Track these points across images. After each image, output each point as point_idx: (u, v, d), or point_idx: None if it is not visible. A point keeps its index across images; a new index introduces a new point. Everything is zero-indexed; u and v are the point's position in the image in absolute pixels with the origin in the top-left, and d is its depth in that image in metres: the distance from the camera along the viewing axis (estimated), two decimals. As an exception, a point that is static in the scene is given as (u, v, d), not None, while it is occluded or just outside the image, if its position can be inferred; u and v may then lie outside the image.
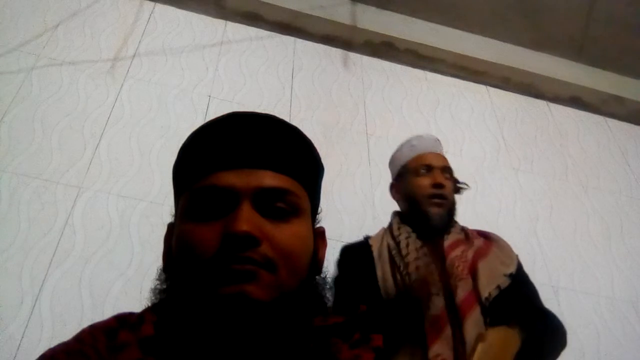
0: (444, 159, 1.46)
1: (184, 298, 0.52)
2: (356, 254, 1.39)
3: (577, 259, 2.19)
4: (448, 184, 1.41)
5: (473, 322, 1.23)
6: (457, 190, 1.45)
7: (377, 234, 1.43)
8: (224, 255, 0.49)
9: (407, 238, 1.35)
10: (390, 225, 1.42)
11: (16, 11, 2.20)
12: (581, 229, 2.32)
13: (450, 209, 1.41)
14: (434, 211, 1.36)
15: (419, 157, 1.45)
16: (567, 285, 2.07)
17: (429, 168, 1.41)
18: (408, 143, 1.51)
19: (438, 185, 1.38)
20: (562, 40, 3.00)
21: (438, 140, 1.54)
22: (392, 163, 1.54)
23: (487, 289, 1.28)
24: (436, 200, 1.37)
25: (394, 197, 1.48)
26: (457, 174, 1.49)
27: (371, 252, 1.35)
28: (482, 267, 1.32)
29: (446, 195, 1.39)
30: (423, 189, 1.38)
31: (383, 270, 1.31)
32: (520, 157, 2.52)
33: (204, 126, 0.59)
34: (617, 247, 2.29)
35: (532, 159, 2.54)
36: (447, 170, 1.43)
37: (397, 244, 1.35)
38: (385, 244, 1.37)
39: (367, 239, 1.44)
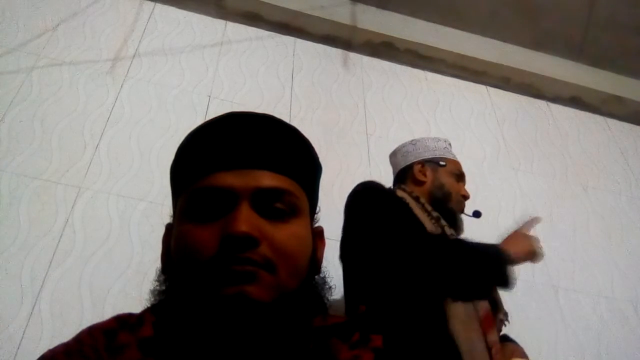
0: None
1: (184, 299, 0.52)
2: (392, 196, 1.38)
3: (577, 259, 2.19)
4: None
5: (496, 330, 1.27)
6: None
7: (400, 193, 1.43)
8: (223, 256, 0.49)
9: (437, 215, 1.38)
10: (417, 196, 1.41)
11: (16, 11, 2.20)
12: (581, 229, 2.32)
13: None
14: (461, 218, 1.45)
15: (458, 163, 1.52)
16: (567, 285, 2.08)
17: (463, 177, 1.50)
18: (446, 141, 1.57)
19: (466, 197, 1.47)
20: (562, 40, 3.00)
21: None
22: (424, 147, 1.54)
23: (504, 309, 1.34)
24: (462, 208, 1.46)
25: (418, 175, 1.46)
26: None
27: (405, 202, 1.36)
28: None
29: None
30: (460, 193, 1.46)
31: (426, 222, 1.32)
32: (520, 157, 2.52)
33: (201, 126, 0.59)
34: (617, 247, 2.30)
35: (532, 159, 2.54)
36: None
37: (429, 212, 1.37)
38: (417, 205, 1.37)
39: (390, 189, 1.44)
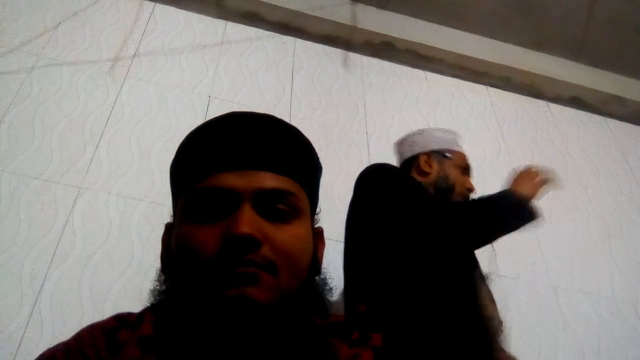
0: None
1: (185, 300, 0.52)
2: (409, 177, 1.38)
3: (577, 259, 2.19)
4: None
5: None
6: None
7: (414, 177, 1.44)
8: (225, 258, 0.49)
9: None
10: (426, 187, 1.42)
11: (16, 11, 2.20)
12: (581, 229, 2.32)
13: None
14: None
15: (466, 157, 1.52)
16: (567, 285, 2.07)
17: (467, 170, 1.49)
18: (454, 133, 1.57)
19: (471, 191, 1.46)
20: (562, 40, 2.99)
21: None
22: (432, 136, 1.53)
23: (499, 317, 1.32)
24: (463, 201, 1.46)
25: (423, 165, 1.46)
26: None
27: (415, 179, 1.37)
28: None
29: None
30: (464, 186, 1.45)
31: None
32: (520, 157, 2.52)
33: (202, 126, 0.59)
34: (617, 247, 2.29)
35: (532, 159, 2.54)
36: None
37: None
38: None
39: (406, 172, 1.44)
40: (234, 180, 0.52)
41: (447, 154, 1.48)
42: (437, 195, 1.40)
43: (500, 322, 1.32)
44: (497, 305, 1.33)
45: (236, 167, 0.53)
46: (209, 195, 0.53)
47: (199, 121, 0.61)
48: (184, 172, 0.57)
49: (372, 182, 1.32)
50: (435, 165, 1.45)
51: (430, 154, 1.48)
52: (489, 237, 1.27)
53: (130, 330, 0.53)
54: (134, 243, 1.65)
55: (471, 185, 1.47)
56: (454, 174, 1.44)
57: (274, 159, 0.54)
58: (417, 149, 1.50)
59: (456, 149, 1.51)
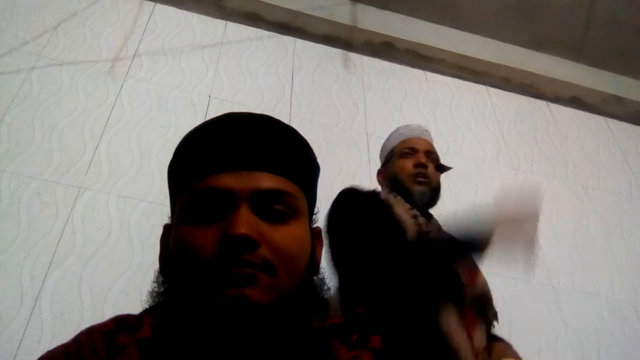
0: (429, 143, 1.49)
1: (183, 301, 0.52)
2: (373, 201, 1.33)
3: (577, 259, 2.19)
4: (431, 165, 1.42)
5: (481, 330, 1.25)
6: (440, 169, 1.45)
7: (384, 194, 1.39)
8: (222, 259, 0.49)
9: (415, 212, 1.34)
10: (395, 194, 1.39)
11: (16, 11, 2.20)
12: (581, 229, 2.32)
13: (434, 190, 1.41)
14: (417, 189, 1.38)
15: (405, 141, 1.48)
16: (567, 285, 2.08)
17: (414, 150, 1.44)
18: (396, 132, 1.54)
19: (420, 165, 1.40)
20: (562, 40, 3.00)
21: (427, 130, 1.56)
22: (381, 152, 1.56)
23: (493, 308, 1.30)
24: (419, 179, 1.39)
25: (380, 183, 1.48)
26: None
27: (389, 203, 1.32)
28: (485, 283, 1.32)
29: (428, 175, 1.41)
30: (407, 169, 1.41)
31: (408, 221, 1.28)
32: (520, 157, 2.52)
33: (200, 127, 0.59)
34: (617, 247, 2.30)
35: (532, 159, 2.54)
36: (430, 153, 1.45)
37: (409, 210, 1.34)
38: (399, 203, 1.34)
39: (374, 191, 1.41)
40: (231, 181, 0.52)
41: (388, 156, 1.49)
42: (402, 195, 1.38)
43: (495, 314, 1.32)
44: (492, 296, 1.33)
45: (233, 167, 0.53)
46: (206, 196, 0.53)
47: (199, 121, 0.61)
48: (182, 173, 0.57)
49: (338, 219, 1.30)
50: (386, 174, 1.48)
51: (382, 169, 1.51)
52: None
53: (129, 332, 0.53)
54: (134, 243, 1.65)
55: (417, 160, 1.41)
56: (395, 166, 1.44)
57: (271, 159, 0.54)
58: (376, 176, 1.54)
59: (398, 140, 1.49)
